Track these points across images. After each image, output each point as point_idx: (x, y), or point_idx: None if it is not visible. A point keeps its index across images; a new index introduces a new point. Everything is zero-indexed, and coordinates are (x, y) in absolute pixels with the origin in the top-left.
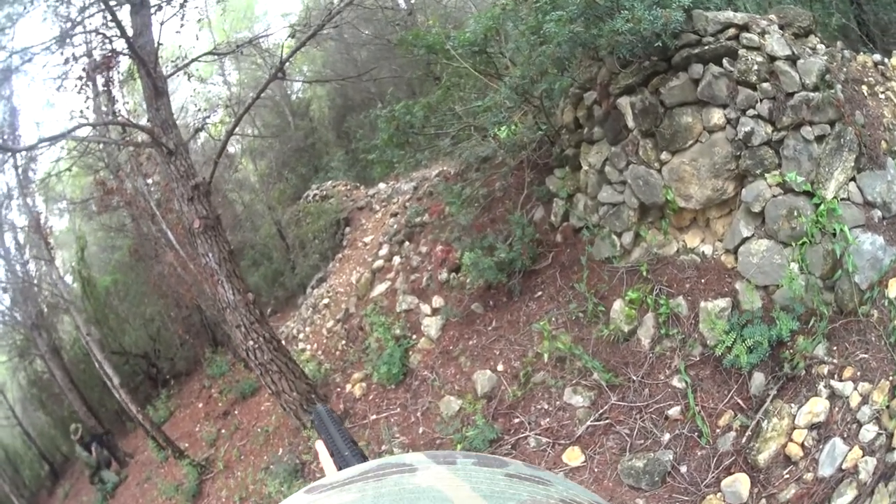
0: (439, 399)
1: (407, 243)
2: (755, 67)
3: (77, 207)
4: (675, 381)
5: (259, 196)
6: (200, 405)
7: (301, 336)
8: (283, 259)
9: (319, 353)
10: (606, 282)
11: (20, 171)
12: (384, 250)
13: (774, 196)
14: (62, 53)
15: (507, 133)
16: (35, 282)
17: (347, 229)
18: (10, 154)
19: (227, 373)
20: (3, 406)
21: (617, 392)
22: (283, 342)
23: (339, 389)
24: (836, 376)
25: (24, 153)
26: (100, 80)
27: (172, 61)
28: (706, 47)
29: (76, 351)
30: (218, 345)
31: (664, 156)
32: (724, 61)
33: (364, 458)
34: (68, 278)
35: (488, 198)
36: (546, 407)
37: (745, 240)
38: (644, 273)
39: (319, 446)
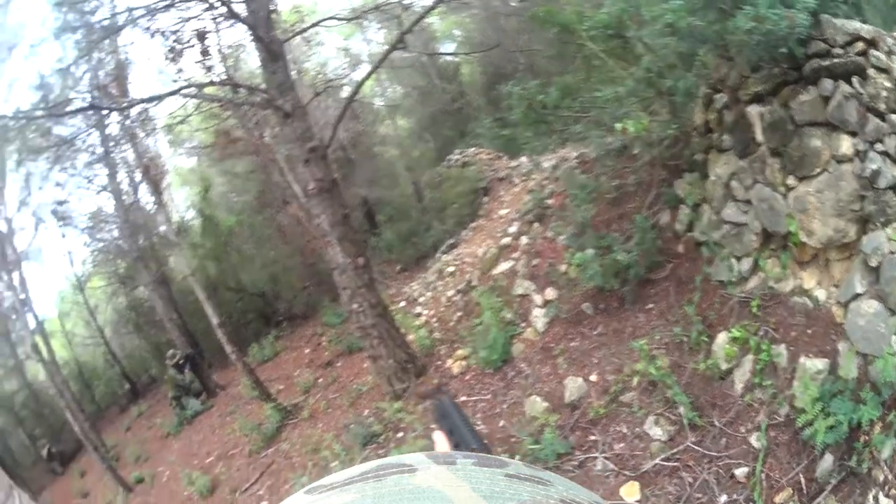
0: (527, 396)
1: (536, 224)
2: (884, 94)
3: (202, 151)
4: (753, 440)
5: (401, 154)
6: (307, 351)
7: (421, 300)
8: (419, 219)
9: (434, 320)
10: (717, 309)
11: (132, 120)
12: (514, 227)
13: (892, 253)
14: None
15: (636, 127)
16: (142, 220)
17: (485, 199)
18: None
19: (339, 324)
20: (92, 327)
21: (696, 434)
22: (405, 303)
23: (439, 363)
24: (886, 489)
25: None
26: (210, 41)
27: (291, 26)
28: (836, 60)
29: (187, 283)
30: (338, 296)
31: (791, 180)
32: (854, 80)
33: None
34: (190, 214)
35: (619, 190)
36: (624, 431)
37: (856, 296)
38: (754, 309)
39: (438, 436)
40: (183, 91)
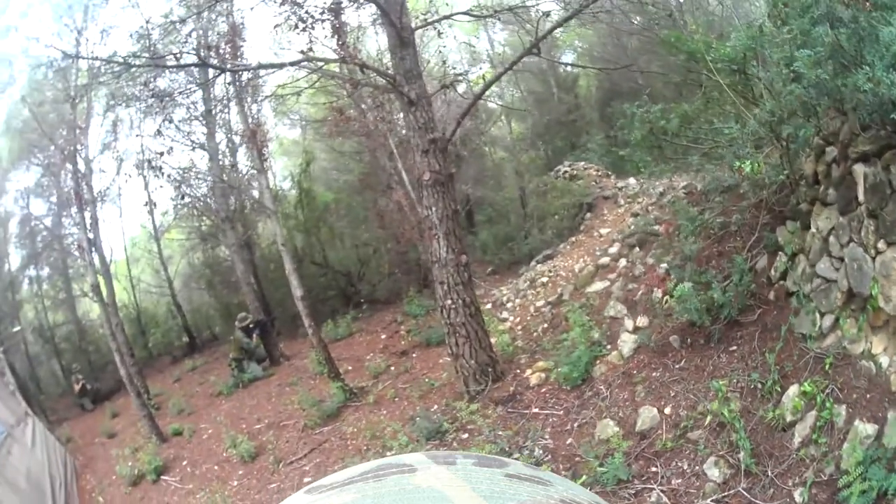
0: (600, 418)
1: (637, 249)
2: None
3: (309, 125)
4: (797, 495)
5: (510, 157)
6: (383, 336)
7: (509, 305)
8: (518, 225)
9: (519, 328)
10: (794, 361)
11: (240, 84)
12: (614, 248)
13: None
14: None
15: (752, 168)
16: (237, 184)
17: (588, 215)
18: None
19: (422, 316)
20: (161, 276)
21: (749, 480)
22: (491, 306)
23: (517, 371)
24: None
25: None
26: (339, 20)
27: (423, 14)
28: None
29: (272, 250)
30: (425, 287)
31: (881, 244)
32: None
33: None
34: (286, 184)
35: (723, 229)
36: (685, 468)
37: None
38: (827, 366)
39: None
40: (304, 63)
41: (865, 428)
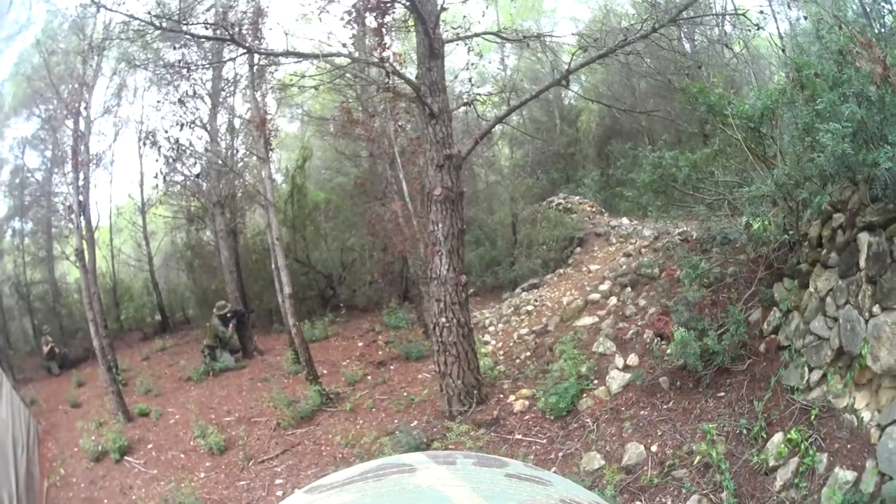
0: (586, 450)
1: (629, 289)
2: None
3: (312, 121)
4: None
5: (504, 182)
6: (360, 344)
7: (491, 329)
8: (506, 250)
9: (500, 353)
10: (781, 410)
11: (256, 68)
12: (605, 286)
13: None
14: None
15: (761, 226)
16: (234, 168)
17: (578, 249)
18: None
19: (402, 328)
20: (141, 250)
21: None
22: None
23: (500, 395)
24: None
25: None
26: (370, 21)
27: (454, 28)
28: None
29: (256, 242)
30: (406, 300)
31: (875, 309)
32: None
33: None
34: (278, 177)
35: (719, 280)
36: (668, 503)
37: (894, 422)
38: (812, 418)
39: None
40: (331, 57)
41: (845, 475)
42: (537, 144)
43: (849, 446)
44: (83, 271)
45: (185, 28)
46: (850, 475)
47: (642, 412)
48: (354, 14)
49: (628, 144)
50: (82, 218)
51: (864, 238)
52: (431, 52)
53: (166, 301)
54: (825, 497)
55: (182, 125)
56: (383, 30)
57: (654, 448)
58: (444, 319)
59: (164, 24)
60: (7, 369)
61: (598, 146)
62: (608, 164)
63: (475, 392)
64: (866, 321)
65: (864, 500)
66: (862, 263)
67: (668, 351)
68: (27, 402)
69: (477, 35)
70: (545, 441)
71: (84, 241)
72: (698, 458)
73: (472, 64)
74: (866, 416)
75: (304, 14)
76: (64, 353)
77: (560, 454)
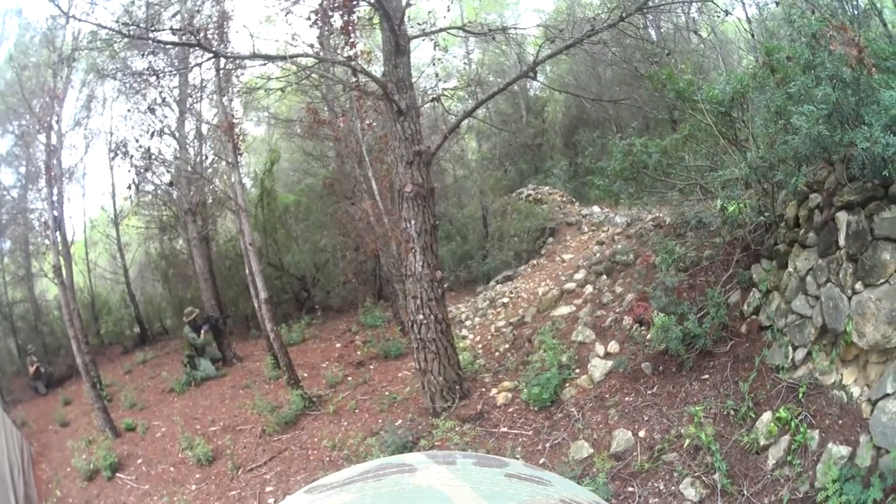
0: (573, 440)
1: (604, 277)
2: None
3: (279, 123)
4: None
5: (473, 176)
6: (338, 345)
7: (468, 323)
8: (477, 243)
9: (479, 346)
10: (767, 390)
11: (221, 73)
12: (580, 275)
13: None
14: None
15: (736, 209)
16: (202, 175)
17: (550, 239)
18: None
19: (378, 327)
20: (117, 263)
21: (725, 499)
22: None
23: (483, 389)
24: None
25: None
26: (336, 20)
27: (419, 24)
28: None
29: (228, 248)
30: (381, 298)
31: (858, 286)
32: None
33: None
34: (247, 181)
35: (695, 264)
36: (661, 488)
37: (885, 395)
38: (800, 395)
39: None
40: (298, 57)
41: (839, 450)
42: (504, 137)
43: (840, 422)
44: (62, 288)
45: (152, 35)
46: (844, 450)
47: (627, 398)
48: (321, 13)
49: (595, 133)
50: (58, 233)
51: (842, 217)
52: (397, 49)
53: (144, 312)
54: (820, 473)
55: (152, 133)
56: (350, 28)
57: (641, 434)
58: (421, 316)
59: (131, 32)
60: None
61: (566, 136)
62: (576, 153)
63: (457, 387)
64: (849, 298)
65: (861, 473)
66: (842, 242)
67: (649, 336)
68: (18, 424)
69: (442, 30)
70: (531, 433)
71: (61, 258)
72: (687, 440)
73: (438, 59)
74: (855, 391)
75: (269, 16)
76: (49, 373)
77: (548, 445)
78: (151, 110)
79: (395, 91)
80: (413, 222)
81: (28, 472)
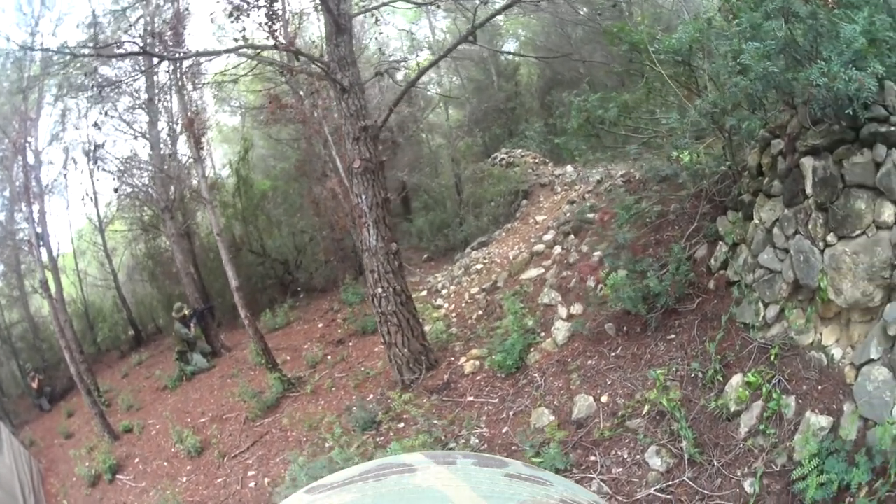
0: (535, 407)
1: (572, 236)
2: None
3: (247, 112)
4: (747, 485)
5: (447, 144)
6: (320, 325)
7: (444, 292)
8: (455, 212)
9: (454, 315)
10: (736, 351)
11: (180, 72)
12: (549, 236)
13: None
14: None
15: (690, 158)
16: (176, 172)
17: (524, 202)
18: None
19: (357, 304)
20: (106, 269)
21: (694, 469)
22: (426, 293)
23: (452, 359)
24: None
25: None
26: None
27: (361, 1)
28: (893, 128)
29: (211, 241)
30: (360, 274)
31: (830, 238)
32: None
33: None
34: (225, 171)
35: (661, 217)
36: (625, 456)
37: (870, 361)
38: (772, 357)
39: None
40: (241, 50)
41: (819, 420)
42: (475, 104)
43: (819, 388)
44: (50, 301)
45: (99, 52)
46: (824, 420)
47: (590, 362)
48: (245, 6)
49: (564, 93)
50: (43, 249)
51: (807, 163)
52: (338, 28)
53: (136, 314)
54: (798, 445)
55: (94, 148)
56: (277, 16)
57: (604, 399)
58: (380, 290)
59: (83, 52)
60: (4, 416)
61: (541, 97)
62: (550, 114)
63: (423, 358)
64: (821, 251)
65: (845, 448)
66: (808, 190)
67: (608, 297)
68: (27, 444)
69: (384, 4)
70: (497, 400)
71: (48, 271)
72: (649, 406)
73: (379, 32)
74: (836, 353)
75: (212, 13)
76: (51, 389)
77: (511, 413)
78: (97, 126)
79: (337, 70)
80: (364, 197)
81: (38, 489)
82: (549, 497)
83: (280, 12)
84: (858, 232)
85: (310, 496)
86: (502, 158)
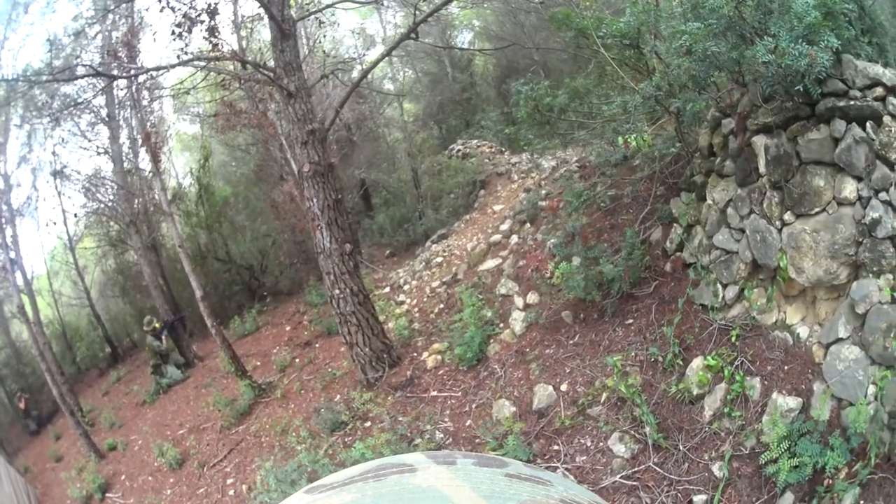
0: (495, 399)
1: (528, 225)
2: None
3: (205, 120)
4: (715, 468)
5: (404, 139)
6: (288, 328)
7: (406, 288)
8: (415, 207)
9: (416, 310)
10: (696, 333)
11: (136, 88)
12: (505, 225)
13: (881, 303)
14: None
15: (638, 142)
16: (138, 186)
17: (482, 192)
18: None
19: (322, 305)
20: (79, 287)
21: (659, 455)
22: (389, 290)
23: (414, 354)
24: None
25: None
26: (220, 17)
27: (306, 4)
28: (852, 102)
29: (176, 251)
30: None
31: (787, 216)
32: (868, 125)
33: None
34: (187, 181)
35: (615, 201)
36: (588, 444)
37: (839, 339)
38: (733, 338)
39: None
40: (191, 62)
41: (786, 401)
42: (429, 96)
43: (786, 368)
44: (29, 327)
45: (54, 77)
46: (792, 401)
47: (548, 351)
48: (187, 23)
49: (513, 83)
50: (18, 274)
51: (759, 141)
52: (282, 33)
53: (111, 330)
54: (767, 427)
55: (54, 173)
56: (218, 29)
57: (563, 388)
58: (337, 291)
59: (42, 79)
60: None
61: (497, 87)
62: (506, 103)
63: (385, 356)
64: (779, 230)
65: (818, 429)
66: (762, 169)
67: (560, 284)
68: (22, 471)
69: (329, 6)
70: (460, 394)
71: (24, 296)
72: (608, 393)
73: (324, 35)
74: (803, 332)
75: (155, 33)
76: (38, 411)
77: (474, 405)
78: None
79: (283, 75)
80: (315, 200)
81: None
82: (549, 497)
83: (222, 24)
84: (818, 209)
85: (310, 496)
86: (459, 150)
